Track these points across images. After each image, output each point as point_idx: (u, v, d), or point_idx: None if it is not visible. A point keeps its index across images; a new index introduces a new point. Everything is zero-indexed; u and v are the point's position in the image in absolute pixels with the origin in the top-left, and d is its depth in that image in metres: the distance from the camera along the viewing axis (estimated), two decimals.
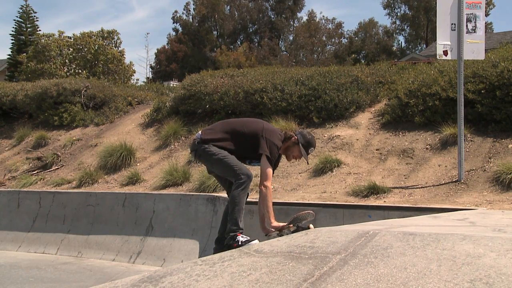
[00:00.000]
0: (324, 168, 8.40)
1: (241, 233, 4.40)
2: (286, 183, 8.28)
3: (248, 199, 4.69)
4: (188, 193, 8.37)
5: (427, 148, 8.18)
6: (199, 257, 6.91)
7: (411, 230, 3.34)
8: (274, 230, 4.40)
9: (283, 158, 4.97)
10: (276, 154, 4.49)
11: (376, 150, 8.62)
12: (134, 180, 9.76)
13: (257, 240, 4.33)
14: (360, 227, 3.68)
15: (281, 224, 4.40)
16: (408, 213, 5.78)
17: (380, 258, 2.72)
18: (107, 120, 13.46)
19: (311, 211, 4.37)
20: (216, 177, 5.15)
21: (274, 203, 4.66)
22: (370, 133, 9.18)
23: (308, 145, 4.65)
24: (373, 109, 9.96)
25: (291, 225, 4.33)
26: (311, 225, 4.12)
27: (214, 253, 4.19)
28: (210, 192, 8.14)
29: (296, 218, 4.33)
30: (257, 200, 4.73)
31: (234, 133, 4.58)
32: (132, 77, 28.96)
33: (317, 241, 3.20)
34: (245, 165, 4.67)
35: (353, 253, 2.84)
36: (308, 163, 4.76)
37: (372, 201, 6.91)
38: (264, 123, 4.72)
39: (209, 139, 4.55)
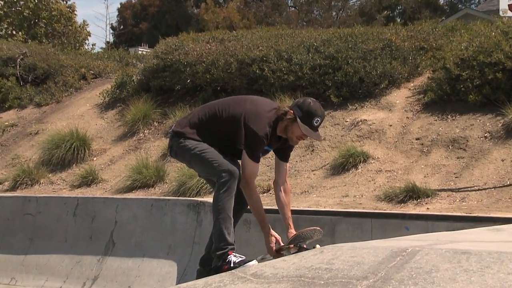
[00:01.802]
0: (345, 164, 8.40)
1: (233, 250, 4.39)
2: (295, 184, 8.28)
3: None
4: (162, 197, 8.41)
5: (485, 137, 8.19)
6: (177, 283, 6.92)
7: (463, 247, 3.33)
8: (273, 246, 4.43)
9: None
10: (261, 146, 4.40)
11: (416, 139, 8.63)
12: (89, 180, 9.80)
13: (255, 260, 4.33)
14: (394, 243, 3.67)
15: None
16: (460, 224, 5.80)
17: (422, 285, 2.71)
18: (53, 100, 13.46)
19: (318, 228, 4.39)
20: (205, 179, 5.20)
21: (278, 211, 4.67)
22: (407, 117, 9.19)
23: (309, 115, 4.35)
24: (412, 84, 9.95)
25: (292, 246, 4.34)
26: (317, 246, 4.12)
27: (197, 278, 4.19)
28: (192, 196, 8.15)
29: (299, 236, 4.33)
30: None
31: (214, 120, 4.53)
32: (87, 41, 28.98)
33: (336, 262, 3.18)
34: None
35: (385, 278, 2.82)
36: (320, 140, 4.66)
37: (410, 208, 6.92)
38: (250, 102, 4.60)
39: (183, 132, 4.54)
